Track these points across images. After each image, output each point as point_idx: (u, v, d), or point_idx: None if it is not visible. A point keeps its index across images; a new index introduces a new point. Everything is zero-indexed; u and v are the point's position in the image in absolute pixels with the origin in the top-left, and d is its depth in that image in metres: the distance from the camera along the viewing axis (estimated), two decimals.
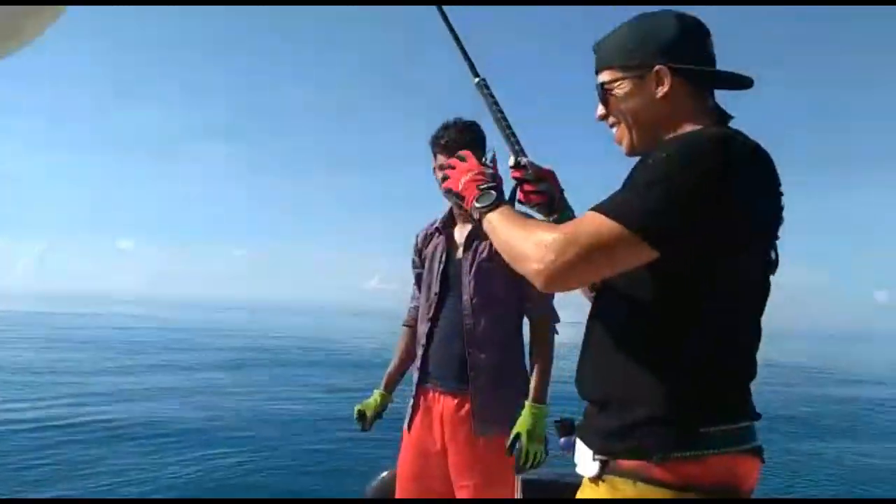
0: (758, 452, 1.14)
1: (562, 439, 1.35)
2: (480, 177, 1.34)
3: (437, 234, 2.17)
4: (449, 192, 1.41)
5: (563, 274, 1.06)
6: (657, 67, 1.20)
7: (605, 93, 1.27)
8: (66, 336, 21.67)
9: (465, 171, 1.36)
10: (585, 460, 1.20)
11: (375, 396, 2.22)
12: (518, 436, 1.84)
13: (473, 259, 2.03)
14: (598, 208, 1.08)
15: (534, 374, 1.96)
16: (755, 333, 1.18)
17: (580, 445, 1.24)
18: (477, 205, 1.28)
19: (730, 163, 1.05)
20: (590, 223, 1.07)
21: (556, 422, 1.37)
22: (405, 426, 2.13)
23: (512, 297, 2.02)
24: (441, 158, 2.02)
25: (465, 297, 2.02)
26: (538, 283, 1.10)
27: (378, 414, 2.22)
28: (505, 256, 1.19)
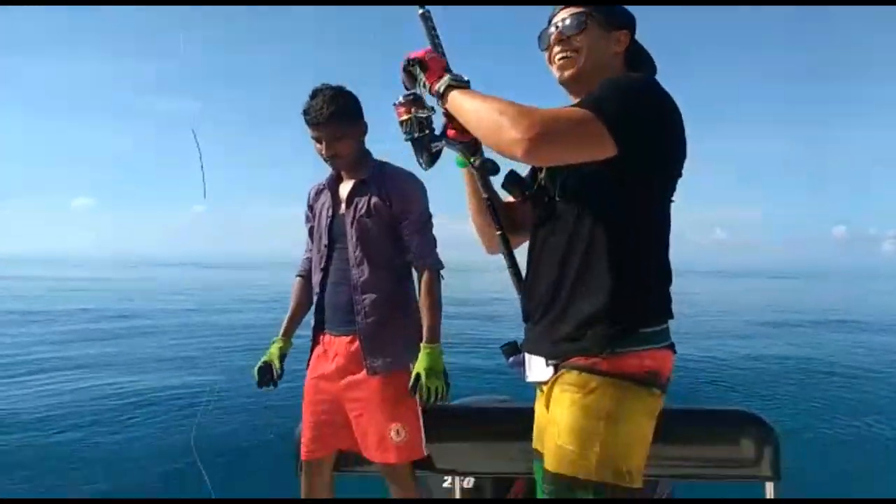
0: (673, 347, 1.38)
1: (510, 359, 1.52)
2: (445, 67, 1.42)
3: (325, 190, 2.26)
4: (409, 65, 1.42)
5: (545, 146, 1.18)
6: (624, 31, 1.46)
7: (585, 19, 1.43)
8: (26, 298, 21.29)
9: (431, 52, 1.45)
10: (538, 369, 1.41)
11: (277, 344, 2.29)
12: (418, 376, 1.98)
13: (354, 215, 2.13)
14: (575, 105, 1.26)
15: (425, 319, 2.07)
16: (668, 247, 1.41)
17: (531, 358, 1.44)
18: (447, 77, 1.36)
19: (669, 98, 1.30)
20: (568, 110, 1.23)
21: (501, 346, 1.54)
22: (306, 369, 2.26)
23: (392, 248, 2.15)
24: (311, 131, 2.08)
25: (349, 249, 2.13)
26: (519, 151, 1.18)
27: (282, 358, 2.27)
28: (478, 128, 1.28)
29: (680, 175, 1.37)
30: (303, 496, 2.20)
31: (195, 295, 23.80)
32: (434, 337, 2.06)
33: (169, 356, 9.87)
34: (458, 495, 2.32)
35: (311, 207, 2.31)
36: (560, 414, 1.31)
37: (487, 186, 1.58)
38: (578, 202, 1.36)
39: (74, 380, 8.12)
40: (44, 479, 4.81)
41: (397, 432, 2.06)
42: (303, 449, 2.20)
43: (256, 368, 2.23)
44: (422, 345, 2.05)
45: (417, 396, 1.98)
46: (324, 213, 2.22)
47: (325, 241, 2.20)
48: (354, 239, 2.12)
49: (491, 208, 1.58)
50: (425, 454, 2.09)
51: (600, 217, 1.33)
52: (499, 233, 1.56)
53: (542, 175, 1.49)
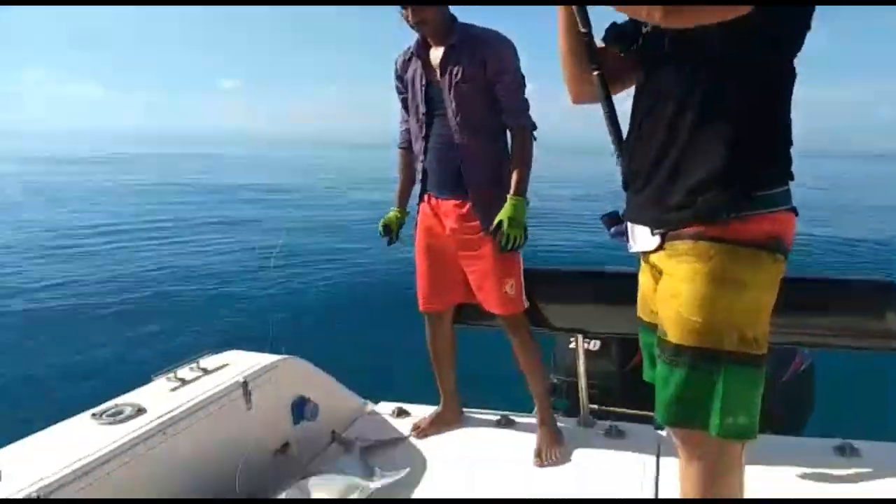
0: (796, 210, 1.26)
1: (612, 229, 1.44)
2: None
3: (413, 59, 2.21)
4: None
5: (684, 8, 1.08)
6: None
7: None
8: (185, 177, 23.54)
9: None
10: (644, 238, 1.32)
11: (394, 212, 2.39)
12: (500, 223, 2.06)
13: (450, 82, 2.11)
14: None
15: (514, 173, 2.12)
16: (790, 104, 1.25)
17: (635, 228, 1.35)
18: None
19: None
20: None
21: (602, 217, 1.46)
22: (415, 232, 2.36)
23: (489, 111, 2.13)
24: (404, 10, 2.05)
25: (449, 116, 2.14)
26: (658, 15, 1.09)
27: (400, 225, 2.39)
28: None
29: (809, 27, 1.21)
30: (428, 342, 2.41)
31: (338, 172, 25.08)
32: (521, 190, 2.11)
33: (314, 226, 10.74)
34: (581, 356, 2.36)
35: (400, 78, 2.31)
36: (680, 284, 1.24)
37: (586, 20, 1.42)
38: (692, 56, 1.22)
39: (236, 241, 9.13)
40: (214, 324, 5.59)
41: (511, 286, 2.18)
42: (420, 301, 2.36)
43: (381, 226, 2.39)
44: (508, 196, 2.10)
45: (498, 241, 2.07)
46: (417, 82, 2.22)
47: (422, 109, 2.21)
48: (454, 106, 2.13)
49: (589, 46, 1.43)
50: (527, 305, 2.25)
51: (717, 72, 1.20)
52: (597, 73, 1.40)
53: (647, 28, 1.32)
